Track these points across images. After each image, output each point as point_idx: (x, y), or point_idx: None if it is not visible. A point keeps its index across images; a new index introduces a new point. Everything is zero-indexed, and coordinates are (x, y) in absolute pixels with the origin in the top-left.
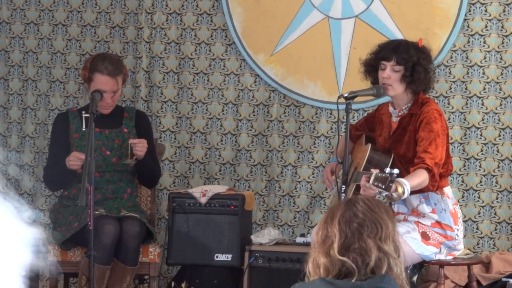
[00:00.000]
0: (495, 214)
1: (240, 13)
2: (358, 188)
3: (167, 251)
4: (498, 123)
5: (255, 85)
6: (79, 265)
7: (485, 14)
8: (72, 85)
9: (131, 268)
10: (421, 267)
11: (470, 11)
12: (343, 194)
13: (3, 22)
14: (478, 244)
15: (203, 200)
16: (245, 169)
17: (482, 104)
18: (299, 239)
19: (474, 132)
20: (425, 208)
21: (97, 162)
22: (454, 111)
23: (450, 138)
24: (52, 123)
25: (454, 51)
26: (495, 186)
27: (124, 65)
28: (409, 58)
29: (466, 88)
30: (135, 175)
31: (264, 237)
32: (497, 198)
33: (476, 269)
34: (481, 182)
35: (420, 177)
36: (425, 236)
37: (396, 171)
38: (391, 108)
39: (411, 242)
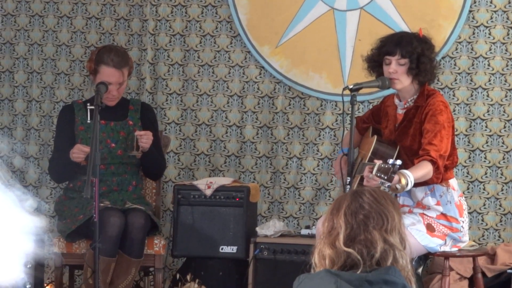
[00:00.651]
0: (500, 205)
1: (245, 5)
2: (363, 179)
3: (172, 243)
4: (503, 115)
5: (260, 77)
6: (84, 257)
7: (490, 6)
8: (77, 77)
9: (136, 260)
10: (426, 258)
11: (475, 2)
12: (348, 186)
13: (8, 14)
14: (483, 235)
15: (208, 192)
16: (250, 161)
17: (487, 96)
18: (304, 231)
19: (479, 123)
20: (430, 201)
21: (102, 154)
22: (459, 103)
23: (455, 130)
24: (57, 115)
25: (459, 42)
26: (500, 177)
27: (130, 57)
28: (413, 50)
29: (471, 80)
30: (140, 167)
31: (269, 229)
32: (502, 190)
33: (481, 261)
34: (486, 173)
35: (424, 169)
36: (430, 228)
37: (398, 162)
38: (396, 100)
39: (416, 234)
